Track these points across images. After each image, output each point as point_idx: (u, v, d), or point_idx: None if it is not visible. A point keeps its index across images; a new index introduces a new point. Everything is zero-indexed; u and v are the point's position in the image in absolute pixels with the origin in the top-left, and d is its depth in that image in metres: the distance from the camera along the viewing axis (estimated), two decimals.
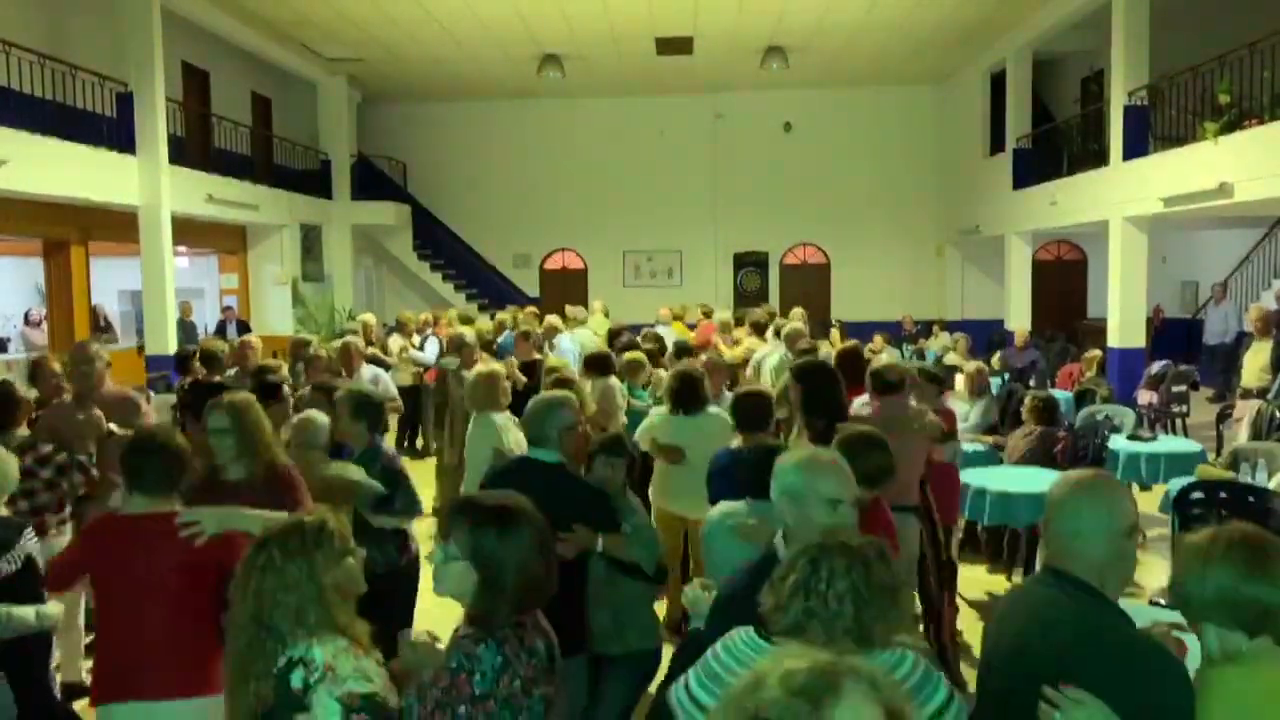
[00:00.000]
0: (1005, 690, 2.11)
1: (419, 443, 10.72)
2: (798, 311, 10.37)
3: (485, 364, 6.27)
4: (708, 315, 12.17)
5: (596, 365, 6.76)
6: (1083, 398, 9.18)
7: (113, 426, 4.99)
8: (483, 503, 2.24)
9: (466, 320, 11.36)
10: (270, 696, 2.07)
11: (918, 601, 4.69)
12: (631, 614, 3.69)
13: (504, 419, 5.34)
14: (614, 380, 6.68)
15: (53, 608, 3.48)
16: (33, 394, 5.27)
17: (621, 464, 3.81)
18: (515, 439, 5.06)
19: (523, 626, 2.10)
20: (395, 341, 10.33)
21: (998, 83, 15.89)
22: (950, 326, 15.09)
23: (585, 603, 3.48)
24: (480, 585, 2.09)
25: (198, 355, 7.28)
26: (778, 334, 8.56)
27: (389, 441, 4.81)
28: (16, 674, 3.48)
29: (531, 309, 11.89)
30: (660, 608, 4.45)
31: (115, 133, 11.18)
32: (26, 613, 3.33)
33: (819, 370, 4.59)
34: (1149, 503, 7.94)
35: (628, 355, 7.26)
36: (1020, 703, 1.93)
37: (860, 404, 5.36)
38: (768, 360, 7.96)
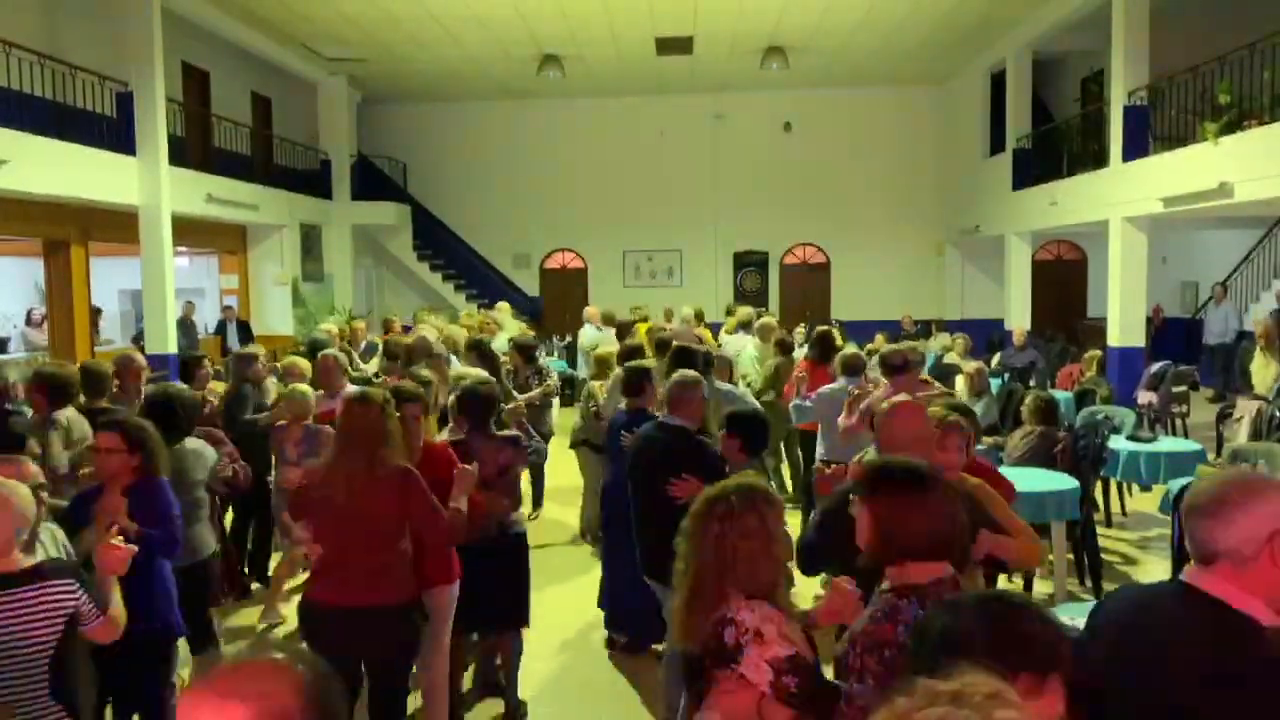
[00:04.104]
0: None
1: None
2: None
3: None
4: (699, 317, 12.09)
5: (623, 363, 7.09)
6: (1083, 398, 9.17)
7: None
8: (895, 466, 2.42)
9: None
10: (703, 644, 2.31)
11: None
12: None
13: None
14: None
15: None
16: None
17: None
18: None
19: None
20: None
21: (998, 83, 15.89)
22: (950, 326, 15.10)
23: None
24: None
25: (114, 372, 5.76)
26: (745, 326, 10.23)
27: None
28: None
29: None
30: None
31: (115, 133, 11.17)
32: None
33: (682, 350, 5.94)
34: (1149, 503, 7.97)
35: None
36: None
37: (833, 389, 6.14)
38: (744, 351, 9.31)
